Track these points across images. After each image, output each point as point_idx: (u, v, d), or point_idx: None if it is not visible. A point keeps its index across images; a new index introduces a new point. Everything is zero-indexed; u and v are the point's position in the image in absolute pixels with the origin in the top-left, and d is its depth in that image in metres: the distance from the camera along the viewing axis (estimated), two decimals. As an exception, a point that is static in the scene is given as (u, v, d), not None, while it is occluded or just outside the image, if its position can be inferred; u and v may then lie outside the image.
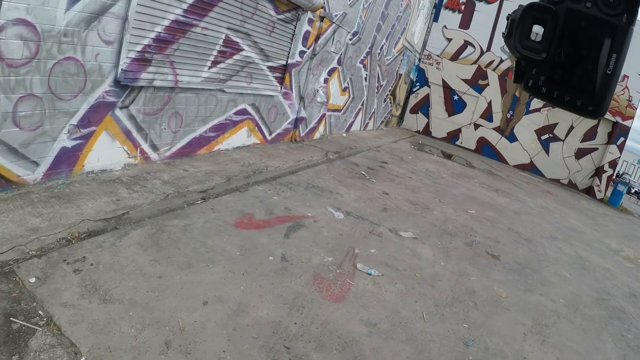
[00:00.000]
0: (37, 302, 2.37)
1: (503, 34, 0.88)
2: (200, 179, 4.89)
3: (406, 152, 11.28)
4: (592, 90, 0.81)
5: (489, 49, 15.09)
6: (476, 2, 15.13)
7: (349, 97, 10.65)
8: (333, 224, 4.76)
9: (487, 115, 15.49)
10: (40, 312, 2.30)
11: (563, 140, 14.83)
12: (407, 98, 16.34)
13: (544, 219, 8.35)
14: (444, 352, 3.03)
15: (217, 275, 3.15)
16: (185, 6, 4.64)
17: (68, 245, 2.98)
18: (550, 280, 5.02)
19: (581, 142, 14.63)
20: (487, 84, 15.28)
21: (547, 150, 15.08)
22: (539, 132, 15.06)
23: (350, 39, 9.36)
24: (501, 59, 14.91)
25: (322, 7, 7.15)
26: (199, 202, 4.33)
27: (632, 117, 13.89)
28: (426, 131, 16.37)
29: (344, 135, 10.91)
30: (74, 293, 2.52)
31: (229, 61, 5.72)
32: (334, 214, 5.07)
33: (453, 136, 16.08)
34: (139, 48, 4.26)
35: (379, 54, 11.67)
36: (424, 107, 16.37)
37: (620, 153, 14.17)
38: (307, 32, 7.38)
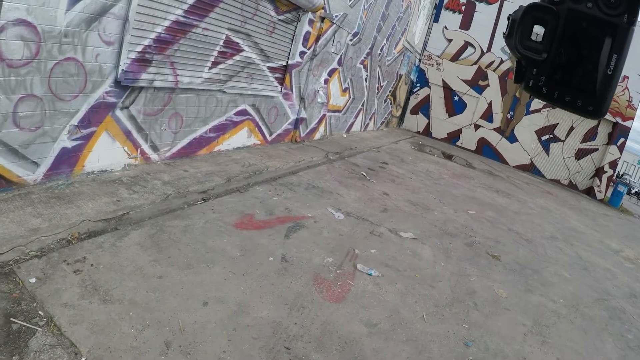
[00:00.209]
0: (37, 302, 2.37)
1: (504, 34, 0.88)
2: (200, 180, 4.89)
3: (406, 153, 11.28)
4: (593, 91, 0.81)
5: (489, 49, 15.09)
6: (477, 2, 15.13)
7: (350, 97, 10.65)
8: (333, 225, 4.76)
9: (488, 115, 15.49)
10: (40, 312, 2.30)
11: (563, 141, 14.83)
12: (407, 99, 16.34)
13: (544, 219, 8.35)
14: (444, 352, 3.03)
15: (218, 275, 3.15)
16: (185, 7, 4.65)
17: (68, 246, 2.98)
18: (550, 280, 5.02)
19: (581, 142, 14.63)
20: (488, 85, 15.28)
21: (547, 151, 15.08)
22: (539, 133, 15.06)
23: (351, 40, 9.37)
24: (501, 59, 14.91)
25: (322, 8, 7.15)
26: (199, 202, 4.34)
27: (632, 118, 13.89)
28: (426, 132, 16.37)
29: (344, 135, 10.91)
30: (74, 293, 2.52)
31: (230, 62, 5.73)
32: (334, 214, 5.07)
33: (453, 137, 16.08)
34: (140, 49, 4.26)
35: (380, 54, 11.68)
36: (424, 107, 16.37)
37: (621, 154, 14.16)
38: (308, 33, 7.38)
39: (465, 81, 15.51)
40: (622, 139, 14.00)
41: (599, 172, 14.27)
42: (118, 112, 4.30)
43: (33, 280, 2.53)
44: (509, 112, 15.21)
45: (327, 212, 5.09)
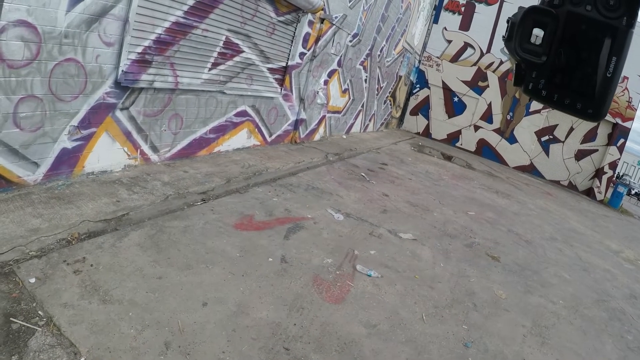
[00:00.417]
0: (37, 302, 2.37)
1: (503, 37, 0.88)
2: (200, 181, 4.89)
3: (406, 154, 11.28)
4: (592, 93, 0.81)
5: (489, 50, 15.11)
6: (476, 3, 15.15)
7: (349, 98, 10.66)
8: (333, 226, 4.76)
9: (487, 116, 15.50)
10: (40, 312, 2.30)
11: (563, 142, 14.84)
12: (407, 100, 16.35)
13: (544, 220, 8.35)
14: (444, 353, 3.03)
15: (217, 276, 3.16)
16: (185, 8, 4.65)
17: (68, 246, 2.99)
18: (550, 281, 5.02)
19: (581, 143, 14.64)
20: (487, 86, 15.29)
21: (547, 152, 15.09)
22: (539, 134, 15.07)
23: (350, 41, 9.38)
24: (501, 60, 14.93)
25: (322, 9, 7.16)
26: (199, 203, 4.34)
27: (632, 119, 13.90)
28: (426, 133, 16.38)
29: (344, 137, 10.92)
30: (74, 293, 2.53)
31: (229, 63, 5.74)
32: (333, 215, 5.08)
33: (453, 138, 16.09)
34: (140, 50, 4.27)
35: (379, 55, 11.69)
36: (424, 108, 16.38)
37: (620, 154, 14.17)
38: (307, 34, 7.39)
39: (465, 82, 15.52)
40: (621, 140, 14.02)
41: (598, 173, 14.28)
42: (118, 113, 4.30)
43: (33, 280, 2.54)
44: (509, 113, 15.23)
45: (326, 213, 5.09)
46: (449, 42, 15.63)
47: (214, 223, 3.99)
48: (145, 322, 2.47)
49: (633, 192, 17.60)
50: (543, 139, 15.06)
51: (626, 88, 13.74)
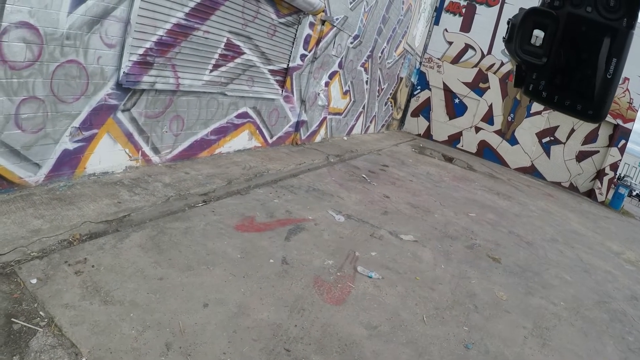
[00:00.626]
0: (38, 303, 2.38)
1: (504, 38, 0.88)
2: (201, 182, 4.90)
3: (407, 156, 11.28)
4: (592, 95, 0.81)
5: (489, 52, 15.11)
6: (477, 5, 15.16)
7: (350, 100, 10.67)
8: (334, 227, 4.76)
9: (488, 118, 15.50)
10: (41, 313, 2.31)
11: (564, 143, 14.83)
12: (408, 101, 16.35)
13: (545, 221, 8.34)
14: (444, 354, 3.02)
15: (218, 277, 3.16)
16: (187, 10, 4.67)
17: (69, 247, 2.99)
18: (551, 283, 5.01)
19: (582, 144, 14.62)
20: (488, 87, 15.29)
21: (548, 153, 15.08)
22: (540, 135, 15.06)
23: (351, 43, 9.39)
24: (502, 62, 14.93)
25: (323, 11, 7.18)
26: (200, 204, 4.35)
27: (633, 120, 13.88)
28: (427, 134, 16.38)
29: (345, 138, 10.93)
30: (75, 294, 2.53)
31: (231, 64, 5.75)
32: (334, 217, 5.08)
33: (454, 139, 16.08)
34: (141, 51, 4.28)
35: (380, 57, 11.70)
36: (424, 110, 16.38)
37: (622, 156, 14.15)
38: (309, 36, 7.40)
39: (466, 84, 15.52)
40: (623, 141, 14.00)
41: (600, 175, 14.26)
42: (119, 115, 4.31)
43: (34, 280, 2.54)
44: (510, 114, 15.22)
45: (327, 214, 5.09)
46: (450, 43, 15.64)
47: (215, 224, 3.99)
48: (147, 323, 2.47)
49: (634, 193, 17.58)
50: (544, 140, 15.04)
51: (627, 89, 13.73)
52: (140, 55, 4.28)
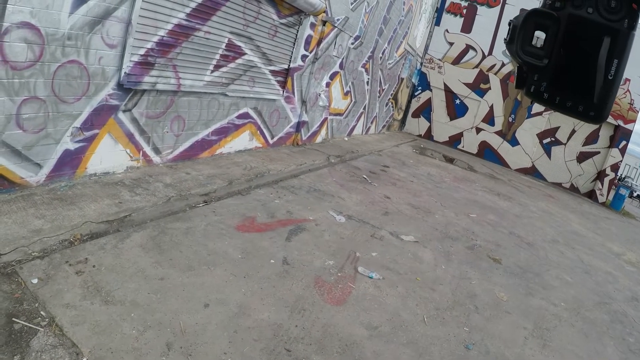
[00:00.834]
0: (39, 302, 2.38)
1: (505, 39, 0.87)
2: (202, 182, 4.90)
3: (408, 156, 11.28)
4: (594, 96, 0.81)
5: (490, 52, 15.11)
6: (478, 6, 15.16)
7: (351, 101, 10.67)
8: (334, 228, 4.76)
9: (489, 119, 15.49)
10: (42, 312, 2.31)
11: (565, 144, 14.82)
12: (409, 102, 16.35)
13: (546, 222, 8.33)
14: (445, 355, 3.02)
15: (219, 277, 3.16)
16: (188, 10, 4.67)
17: (70, 247, 3.00)
18: (551, 284, 5.01)
19: (583, 145, 14.61)
20: (489, 88, 15.29)
21: (549, 154, 15.07)
22: (541, 136, 15.05)
23: (352, 43, 9.39)
24: (503, 62, 14.93)
25: (324, 12, 7.18)
26: (201, 205, 4.35)
27: (634, 121, 13.87)
28: (428, 135, 16.38)
29: (346, 139, 10.93)
30: (76, 294, 2.54)
31: (232, 65, 5.75)
32: (335, 217, 5.08)
33: (455, 140, 16.08)
34: (142, 52, 4.29)
35: (381, 58, 11.70)
36: (425, 111, 16.38)
37: (622, 156, 14.14)
38: (309, 36, 7.41)
39: (467, 84, 15.52)
40: (623, 142, 13.99)
41: (600, 175, 14.25)
42: (121, 115, 4.32)
43: (35, 280, 2.55)
44: (511, 115, 15.22)
45: (328, 215, 5.10)
46: (451, 44, 15.64)
47: (215, 225, 4.00)
48: (147, 323, 2.47)
49: (635, 194, 17.55)
50: (545, 141, 15.04)
51: (628, 90, 13.72)
52: (141, 55, 4.28)
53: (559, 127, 14.77)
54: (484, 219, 7.06)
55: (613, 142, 14.08)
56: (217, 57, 5.43)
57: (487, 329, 3.55)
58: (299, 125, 8.20)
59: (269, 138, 7.37)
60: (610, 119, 13.58)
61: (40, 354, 2.05)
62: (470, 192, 8.99)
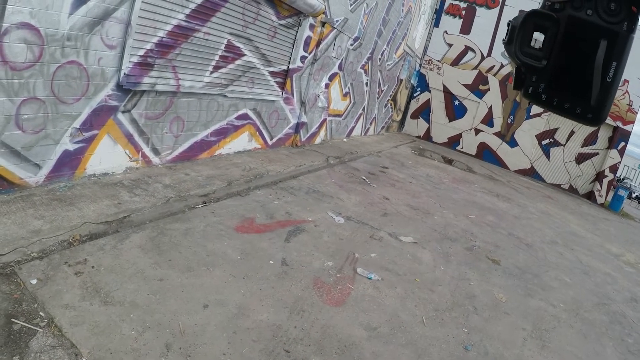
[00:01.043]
0: (38, 303, 2.38)
1: (503, 40, 0.87)
2: (201, 183, 4.90)
3: (407, 157, 11.29)
4: (592, 98, 0.81)
5: (489, 54, 15.14)
6: (477, 7, 15.20)
7: (350, 102, 10.68)
8: (333, 229, 4.77)
9: (488, 120, 15.52)
10: (41, 313, 2.31)
11: (564, 145, 14.85)
12: (407, 103, 16.37)
13: (545, 223, 8.34)
14: (444, 356, 3.03)
15: (218, 278, 3.16)
16: (187, 11, 4.68)
17: (69, 248, 3.00)
18: (550, 285, 5.02)
19: (582, 147, 14.64)
20: (488, 89, 15.31)
21: (547, 155, 15.09)
22: (540, 137, 15.08)
23: (352, 45, 9.41)
24: (502, 64, 14.96)
25: (323, 13, 7.19)
26: (200, 206, 4.35)
27: (632, 122, 13.91)
28: (427, 136, 16.40)
29: (345, 140, 10.93)
30: (75, 295, 2.53)
31: (231, 66, 5.76)
32: (334, 218, 5.08)
33: (454, 141, 16.10)
34: (142, 52, 4.29)
35: (380, 59, 11.72)
36: (424, 112, 16.41)
37: (621, 158, 14.17)
38: (309, 38, 7.42)
39: (466, 86, 15.55)
40: (622, 143, 14.02)
41: (599, 177, 14.28)
42: (120, 116, 4.32)
43: (34, 281, 2.54)
44: (510, 116, 15.24)
45: (327, 216, 5.10)
46: (450, 45, 15.67)
47: (215, 226, 4.00)
48: (146, 323, 2.47)
49: (634, 195, 17.58)
50: (544, 142, 15.06)
51: (627, 91, 13.76)
52: (140, 56, 4.29)
53: (557, 129, 14.80)
54: (482, 220, 7.07)
55: (612, 143, 14.11)
56: (217, 58, 5.43)
57: (486, 329, 3.55)
58: (298, 127, 8.20)
59: (268, 139, 7.38)
60: (609, 120, 13.61)
61: (40, 355, 2.05)
62: (469, 193, 9.00)
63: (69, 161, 3.91)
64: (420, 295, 3.82)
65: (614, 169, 14.11)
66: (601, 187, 14.16)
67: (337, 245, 4.34)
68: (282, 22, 6.57)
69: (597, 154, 14.46)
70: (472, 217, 7.05)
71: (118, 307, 2.54)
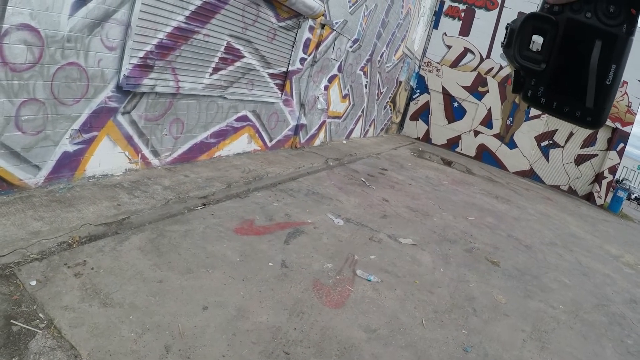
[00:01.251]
0: (38, 304, 2.37)
1: (502, 43, 0.87)
2: (200, 185, 4.90)
3: (406, 159, 11.30)
4: (591, 101, 0.81)
5: (488, 55, 15.17)
6: (476, 9, 15.24)
7: (349, 104, 10.69)
8: (333, 231, 4.77)
9: (487, 122, 15.54)
10: (40, 314, 2.31)
11: (563, 147, 14.87)
12: (407, 105, 16.40)
13: (544, 225, 8.35)
14: (443, 357, 3.03)
15: (217, 280, 3.16)
16: (187, 13, 4.69)
17: (69, 249, 2.99)
18: (549, 286, 5.02)
19: (581, 148, 14.67)
20: (487, 91, 15.34)
21: (546, 157, 15.12)
22: (539, 139, 15.10)
23: (351, 47, 9.42)
24: (501, 65, 14.99)
25: (322, 15, 7.20)
26: (199, 207, 4.35)
27: (631, 123, 13.94)
28: (426, 138, 16.41)
29: (344, 142, 10.94)
30: (75, 296, 2.53)
31: (230, 68, 5.76)
32: (333, 220, 5.08)
33: (453, 143, 16.12)
34: (141, 54, 4.29)
35: (379, 61, 11.74)
36: (424, 114, 16.43)
37: (620, 159, 14.20)
38: (308, 40, 7.43)
39: (465, 87, 15.58)
40: (621, 145, 14.05)
41: (598, 178, 14.30)
42: (119, 117, 4.32)
43: (33, 282, 2.54)
44: (509, 118, 15.27)
45: (326, 218, 5.10)
46: (449, 47, 15.70)
47: (214, 227, 3.99)
48: (146, 325, 2.47)
49: (633, 196, 17.60)
50: (543, 144, 15.09)
51: (626, 92, 13.79)
52: (140, 58, 4.29)
53: (557, 130, 14.83)
54: (482, 221, 7.07)
55: (611, 144, 14.14)
56: (216, 60, 5.43)
57: (485, 331, 3.55)
58: (298, 128, 8.21)
59: (267, 141, 7.38)
60: (608, 122, 13.57)
61: (39, 356, 2.05)
62: (469, 195, 9.01)
63: (69, 162, 3.91)
64: (419, 297, 3.82)
65: (613, 170, 14.13)
66: (600, 189, 14.18)
67: (336, 247, 4.34)
68: (282, 24, 6.58)
69: (596, 155, 14.49)
70: (472, 218, 7.05)
71: (117, 308, 2.54)
